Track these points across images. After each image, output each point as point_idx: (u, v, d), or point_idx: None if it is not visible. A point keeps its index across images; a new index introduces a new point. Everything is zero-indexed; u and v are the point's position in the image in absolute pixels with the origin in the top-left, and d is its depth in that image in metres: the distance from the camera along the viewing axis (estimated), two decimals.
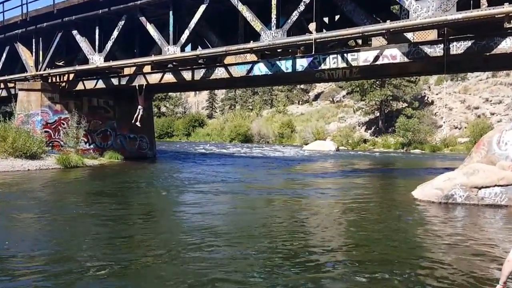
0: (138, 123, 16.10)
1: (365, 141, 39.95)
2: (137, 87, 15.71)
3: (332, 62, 10.93)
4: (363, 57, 10.44)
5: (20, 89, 18.13)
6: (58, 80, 18.47)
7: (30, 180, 12.06)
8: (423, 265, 4.98)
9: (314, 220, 7.45)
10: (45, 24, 17.65)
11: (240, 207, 8.55)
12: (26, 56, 19.21)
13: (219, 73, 13.27)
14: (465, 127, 37.20)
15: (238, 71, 12.86)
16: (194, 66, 14.17)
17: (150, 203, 9.00)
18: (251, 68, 12.51)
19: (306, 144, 37.61)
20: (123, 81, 16.28)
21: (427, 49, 9.55)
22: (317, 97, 64.92)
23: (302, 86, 64.95)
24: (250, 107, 71.93)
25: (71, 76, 18.11)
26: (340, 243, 5.94)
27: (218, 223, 7.01)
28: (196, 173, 14.58)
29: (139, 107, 16.09)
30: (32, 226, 6.60)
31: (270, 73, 12.19)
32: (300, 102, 64.59)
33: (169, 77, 14.77)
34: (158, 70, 15.14)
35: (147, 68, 15.39)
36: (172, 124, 57.46)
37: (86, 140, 18.87)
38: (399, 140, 37.30)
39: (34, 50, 18.71)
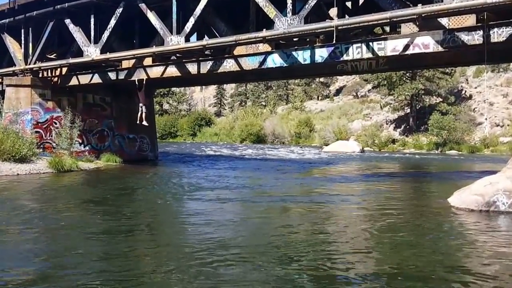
0: (144, 123, 16.46)
1: (393, 141, 39.66)
2: (136, 82, 15.83)
3: (356, 52, 10.85)
4: (391, 46, 10.35)
5: (8, 85, 18.39)
6: (49, 74, 18.72)
7: (19, 186, 12.25)
8: (464, 281, 4.90)
9: (336, 231, 7.39)
10: (35, 12, 17.88)
11: (252, 217, 8.54)
12: (15, 48, 19.48)
13: (228, 65, 13.28)
14: (508, 125, 36.65)
15: (250, 63, 12.86)
16: (200, 58, 14.22)
17: (151, 213, 9.04)
18: (264, 60, 12.50)
19: (327, 145, 37.48)
20: (122, 75, 16.42)
21: (464, 37, 9.43)
22: (338, 91, 64.68)
23: (321, 79, 64.82)
24: (263, 103, 71.91)
25: (64, 70, 18.33)
26: (368, 258, 5.88)
27: (228, 235, 7.00)
28: (203, 178, 14.63)
29: (141, 104, 16.23)
30: (18, 239, 6.62)
31: (285, 65, 12.17)
32: (320, 98, 64.41)
33: (172, 71, 14.85)
34: (160, 63, 15.23)
35: (148, 61, 15.49)
36: (176, 123, 57.82)
37: (80, 141, 19.11)
38: (432, 139, 36.93)
39: (23, 41, 18.98)
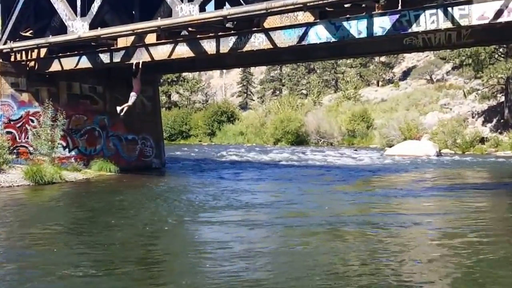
0: (121, 115, 16.32)
1: (482, 140, 38.88)
2: (133, 67, 15.89)
3: (430, 20, 10.65)
4: (478, 12, 10.10)
5: None
6: (24, 57, 19.05)
7: None
8: None
9: (405, 269, 7.24)
10: None
11: (289, 248, 8.44)
12: None
13: (257, 42, 13.23)
14: None
15: (286, 39, 12.78)
16: (220, 33, 14.21)
17: (155, 243, 9.05)
18: (305, 34, 12.40)
19: (390, 147, 37.08)
20: (117, 57, 16.57)
21: None
22: (406, 74, 63.96)
23: (382, 58, 64.17)
24: (304, 91, 71.90)
25: (43, 51, 18.64)
26: None
27: (260, 273, 6.93)
28: (223, 193, 14.65)
29: (132, 93, 16.19)
30: None
31: (333, 40, 12.04)
32: (380, 83, 63.89)
33: (183, 50, 14.90)
34: (167, 40, 15.30)
35: (151, 38, 15.60)
36: (189, 119, 58.43)
37: (65, 144, 19.43)
38: None
39: None
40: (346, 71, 68.29)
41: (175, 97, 72.10)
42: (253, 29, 13.49)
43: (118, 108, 16.32)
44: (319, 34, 12.22)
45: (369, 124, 47.55)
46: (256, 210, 11.83)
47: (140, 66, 15.74)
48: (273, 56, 16.43)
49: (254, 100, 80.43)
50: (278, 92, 79.05)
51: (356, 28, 11.59)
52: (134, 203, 12.95)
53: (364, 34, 11.51)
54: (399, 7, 10.44)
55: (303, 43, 12.56)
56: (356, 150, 37.96)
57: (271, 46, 13.08)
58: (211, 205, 12.50)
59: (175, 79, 68.70)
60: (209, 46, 14.27)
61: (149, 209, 11.92)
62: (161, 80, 59.04)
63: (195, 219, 10.88)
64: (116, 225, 10.14)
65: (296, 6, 11.84)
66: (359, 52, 16.78)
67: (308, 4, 11.62)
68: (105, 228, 9.93)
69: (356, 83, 61.78)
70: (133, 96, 16.14)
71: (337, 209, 12.10)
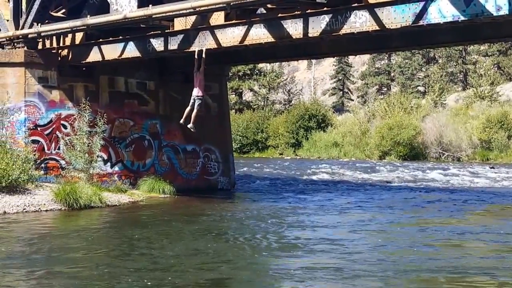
0: (190, 126, 16.34)
1: None
2: (195, 56, 16.04)
3: None
4: None
5: None
6: (55, 45, 19.61)
7: (5, 235, 12.57)
8: None
9: None
10: None
11: None
12: None
13: (359, 22, 13.11)
14: None
15: (397, 17, 12.63)
16: (309, 11, 14.17)
17: None
18: (423, 11, 12.22)
19: None
20: (173, 44, 16.79)
21: None
22: None
23: None
24: (421, 88, 70.81)
25: (79, 37, 19.13)
26: None
27: None
28: (323, 226, 14.44)
29: (195, 94, 16.26)
30: None
31: (462, 18, 11.81)
32: None
33: (259, 34, 14.93)
34: (238, 21, 15.38)
35: (217, 18, 15.75)
36: (266, 125, 58.60)
37: (106, 156, 19.84)
38: None
39: None
40: (479, 60, 66.88)
41: (248, 96, 72.67)
42: (353, 5, 13.38)
43: (182, 121, 16.46)
44: (443, 11, 12.00)
45: (510, 132, 46.30)
46: (369, 258, 11.13)
47: (204, 55, 15.84)
48: (380, 41, 16.29)
49: (353, 100, 79.97)
50: (385, 89, 78.32)
51: (494, 2, 11.32)
52: (206, 239, 12.70)
53: (505, 11, 11.25)
54: None
55: (420, 23, 12.38)
56: (492, 167, 37.15)
57: (377, 28, 12.94)
58: (308, 246, 12.02)
59: (248, 72, 69.03)
60: (294, 28, 14.23)
61: (223, 251, 11.62)
62: (230, 74, 59.30)
63: (289, 269, 10.14)
64: (178, 274, 9.86)
65: None
66: (497, 35, 16.34)
67: None
68: (162, 277, 9.50)
69: (492, 77, 60.29)
70: (197, 99, 16.14)
71: (483, 254, 11.79)
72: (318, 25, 13.79)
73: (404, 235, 13.74)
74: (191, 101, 16.32)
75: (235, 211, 17.15)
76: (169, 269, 9.97)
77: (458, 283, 9.30)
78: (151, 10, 15.76)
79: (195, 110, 16.23)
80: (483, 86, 58.38)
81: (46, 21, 19.02)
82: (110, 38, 18.26)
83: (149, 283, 8.85)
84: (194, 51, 16.11)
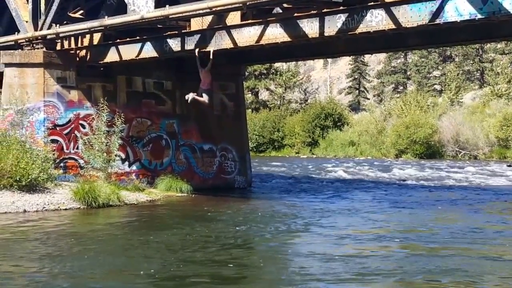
0: (188, 101, 16.83)
1: None
2: (196, 54, 16.19)
3: None
4: None
5: (8, 64, 19.57)
6: (73, 45, 19.71)
7: (25, 234, 12.71)
8: None
9: None
10: None
11: None
12: (18, 3, 20.64)
13: (375, 20, 13.08)
14: None
15: (413, 16, 12.58)
16: (325, 10, 14.15)
17: None
18: (440, 9, 12.16)
19: None
20: (190, 44, 16.83)
21: None
22: None
23: None
24: (437, 86, 70.51)
25: (97, 37, 19.24)
26: None
27: None
28: (345, 227, 14.34)
29: (200, 86, 16.61)
30: None
31: (479, 16, 11.73)
32: None
33: (275, 33, 14.94)
34: (254, 20, 15.40)
35: (233, 17, 15.75)
36: (282, 124, 58.67)
37: (124, 155, 19.99)
38: None
39: None
40: (496, 59, 66.43)
41: (264, 95, 72.66)
42: (369, 3, 13.35)
43: (190, 96, 16.75)
44: (460, 9, 11.93)
45: None
46: (395, 257, 11.17)
47: (212, 56, 16.03)
48: (396, 40, 16.30)
49: (369, 99, 79.68)
50: (401, 87, 78.03)
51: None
52: (224, 238, 12.70)
53: None
54: None
55: (437, 21, 12.31)
56: (510, 165, 37.13)
57: (394, 26, 12.90)
58: (330, 250, 11.69)
59: (265, 71, 69.10)
60: (310, 27, 14.24)
61: (242, 251, 11.63)
62: (246, 73, 59.20)
63: (312, 275, 9.85)
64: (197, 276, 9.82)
65: None
66: None
67: None
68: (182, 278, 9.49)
69: (509, 75, 59.88)
70: (204, 93, 16.40)
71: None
72: (334, 24, 13.78)
73: (451, 235, 13.19)
74: (198, 91, 16.81)
75: (258, 212, 16.84)
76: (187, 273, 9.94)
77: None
78: (168, 10, 15.86)
79: (205, 100, 16.76)
80: (500, 84, 58.07)
81: (65, 22, 19.18)
82: (128, 39, 18.38)
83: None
84: (211, 51, 16.19)
